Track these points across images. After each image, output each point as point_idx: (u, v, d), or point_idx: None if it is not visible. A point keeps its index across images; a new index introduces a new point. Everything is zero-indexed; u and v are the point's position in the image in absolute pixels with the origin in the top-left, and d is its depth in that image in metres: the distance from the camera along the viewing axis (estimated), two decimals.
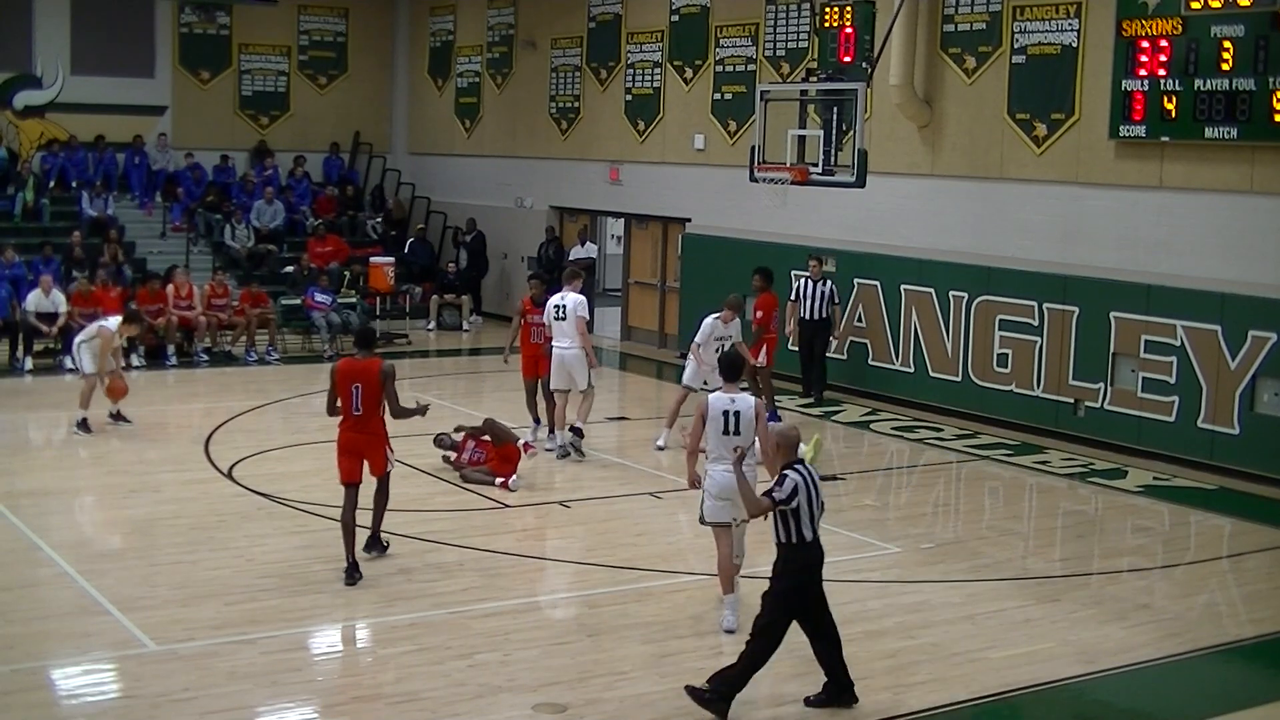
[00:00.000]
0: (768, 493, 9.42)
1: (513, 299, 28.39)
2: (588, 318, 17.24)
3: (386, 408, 12.13)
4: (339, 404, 12.06)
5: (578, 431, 16.68)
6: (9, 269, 23.28)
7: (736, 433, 11.05)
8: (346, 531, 12.01)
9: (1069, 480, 16.70)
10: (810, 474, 9.52)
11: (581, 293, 16.75)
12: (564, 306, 16.52)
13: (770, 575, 9.58)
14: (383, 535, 12.66)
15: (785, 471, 9.48)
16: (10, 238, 24.80)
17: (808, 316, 20.46)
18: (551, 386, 16.80)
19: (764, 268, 19.26)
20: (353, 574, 11.93)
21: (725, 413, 11.11)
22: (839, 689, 9.58)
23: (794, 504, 9.34)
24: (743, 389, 11.72)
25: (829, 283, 20.52)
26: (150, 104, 29.91)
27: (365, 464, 12.19)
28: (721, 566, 11.30)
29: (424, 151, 31.93)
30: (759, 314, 18.92)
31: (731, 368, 11.63)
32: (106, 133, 29.09)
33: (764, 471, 10.32)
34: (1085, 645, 10.96)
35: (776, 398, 18.98)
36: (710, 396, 11.36)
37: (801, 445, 10.39)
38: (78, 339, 18.04)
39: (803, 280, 20.56)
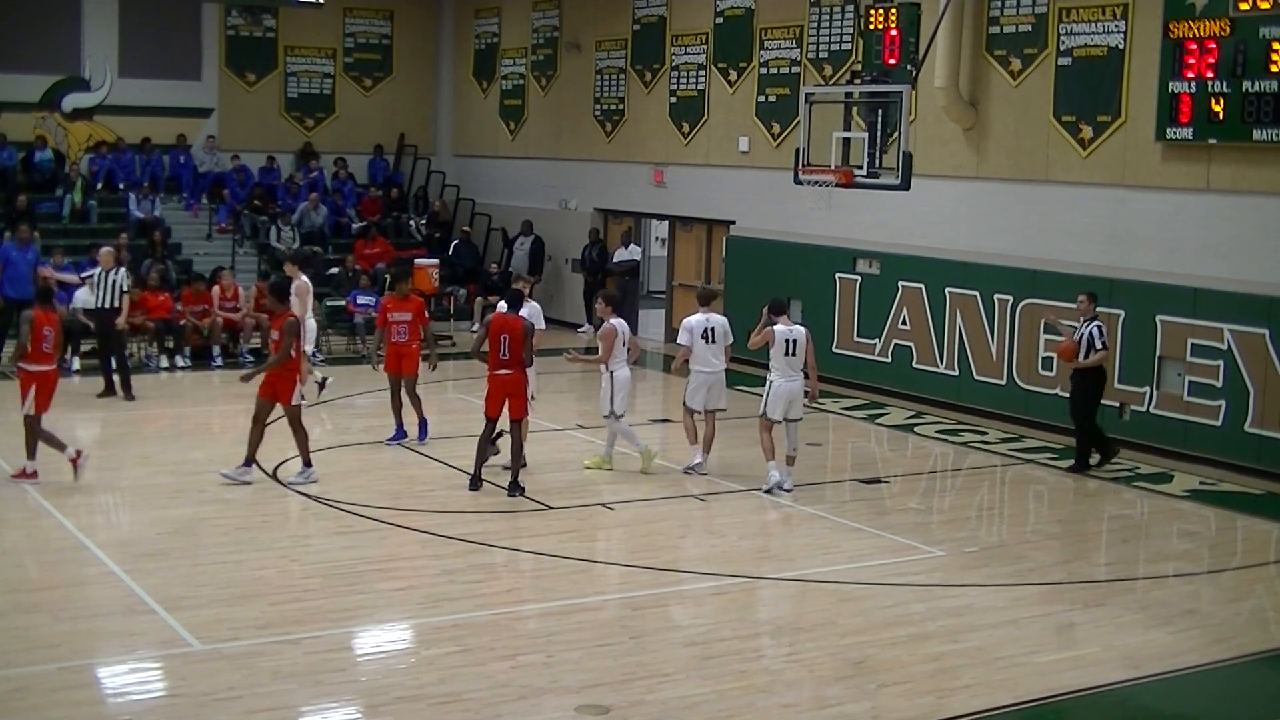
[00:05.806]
0: None
1: (559, 301, 28.50)
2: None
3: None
4: (486, 349, 14.78)
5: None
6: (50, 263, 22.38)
7: (794, 354, 15.19)
8: (480, 452, 15.12)
9: (1114, 484, 16.61)
10: None
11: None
12: (713, 329, 16.02)
13: None
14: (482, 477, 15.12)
15: None
16: (58, 239, 24.99)
17: (1081, 358, 16.79)
18: (709, 407, 16.20)
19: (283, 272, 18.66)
20: (475, 484, 15.04)
21: (786, 340, 15.13)
22: None
23: None
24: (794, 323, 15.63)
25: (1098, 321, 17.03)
26: (197, 106, 30.17)
27: (506, 406, 14.80)
28: (773, 445, 15.29)
29: (468, 154, 32.02)
30: (275, 335, 15.18)
31: (781, 306, 15.54)
32: (153, 135, 29.37)
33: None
34: (1130, 650, 10.89)
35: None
36: (777, 328, 15.14)
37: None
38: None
39: (1082, 322, 16.91)
